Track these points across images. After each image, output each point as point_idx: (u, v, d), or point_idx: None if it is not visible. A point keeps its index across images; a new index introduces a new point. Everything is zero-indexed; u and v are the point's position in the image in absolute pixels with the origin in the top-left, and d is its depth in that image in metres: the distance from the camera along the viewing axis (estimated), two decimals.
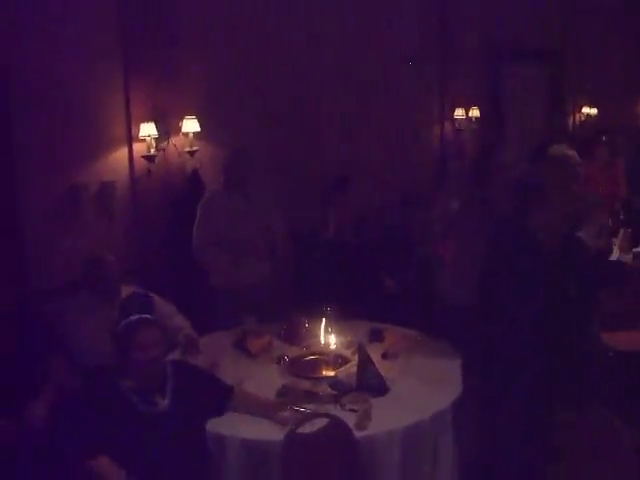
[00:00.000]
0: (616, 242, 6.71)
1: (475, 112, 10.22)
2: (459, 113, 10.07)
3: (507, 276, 3.72)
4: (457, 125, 10.11)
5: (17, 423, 4.26)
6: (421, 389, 4.22)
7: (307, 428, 3.64)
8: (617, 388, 4.82)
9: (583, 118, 12.91)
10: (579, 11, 11.55)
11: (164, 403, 3.73)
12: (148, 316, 3.84)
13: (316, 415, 3.74)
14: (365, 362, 4.20)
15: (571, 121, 12.81)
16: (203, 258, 5.85)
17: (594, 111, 12.92)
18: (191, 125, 6.85)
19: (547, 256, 3.78)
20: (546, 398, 3.77)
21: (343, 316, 5.07)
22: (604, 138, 10.43)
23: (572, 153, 5.86)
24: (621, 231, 6.89)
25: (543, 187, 3.86)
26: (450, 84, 9.85)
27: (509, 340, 3.71)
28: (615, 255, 6.53)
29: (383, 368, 4.31)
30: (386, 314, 5.34)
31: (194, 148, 6.90)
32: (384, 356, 4.64)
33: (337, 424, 3.65)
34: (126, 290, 5.09)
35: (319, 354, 4.76)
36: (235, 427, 3.83)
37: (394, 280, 5.97)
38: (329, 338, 4.90)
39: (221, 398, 3.98)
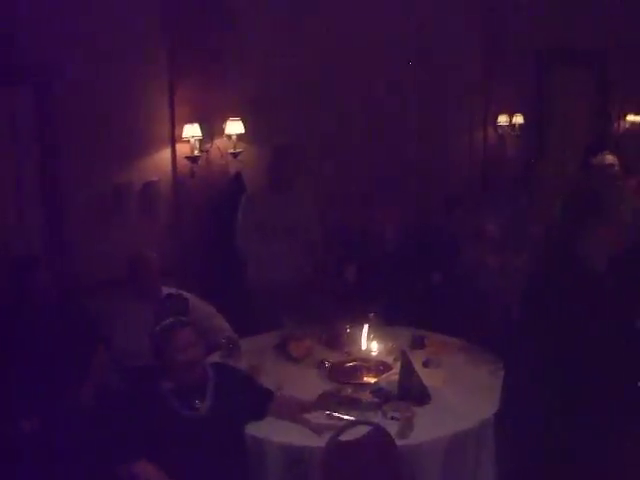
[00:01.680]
0: None
1: (518, 119, 10.10)
2: (502, 120, 9.96)
3: (552, 301, 3.61)
4: (500, 132, 10.00)
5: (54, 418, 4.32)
6: (463, 398, 4.17)
7: (349, 435, 3.61)
8: None
9: (627, 126, 12.74)
10: (628, 17, 11.42)
11: (205, 406, 3.73)
12: (183, 318, 3.86)
13: (358, 422, 3.71)
14: (407, 370, 4.16)
15: (615, 128, 12.64)
16: (244, 252, 5.90)
17: (639, 119, 12.75)
18: (235, 127, 6.84)
19: (598, 282, 3.64)
20: (592, 418, 3.68)
21: (385, 322, 5.04)
22: None
23: (616, 161, 5.80)
24: None
25: (598, 199, 3.66)
26: (494, 90, 9.76)
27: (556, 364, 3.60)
28: None
29: (425, 376, 4.26)
30: (429, 321, 5.28)
31: (238, 150, 6.89)
32: (426, 364, 4.59)
33: (379, 432, 3.62)
34: (167, 291, 5.11)
35: (361, 360, 4.72)
36: (274, 432, 3.82)
37: (441, 274, 5.83)
38: (371, 344, 4.86)
39: (261, 402, 3.96)
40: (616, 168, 5.98)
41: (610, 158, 6.05)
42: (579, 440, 3.59)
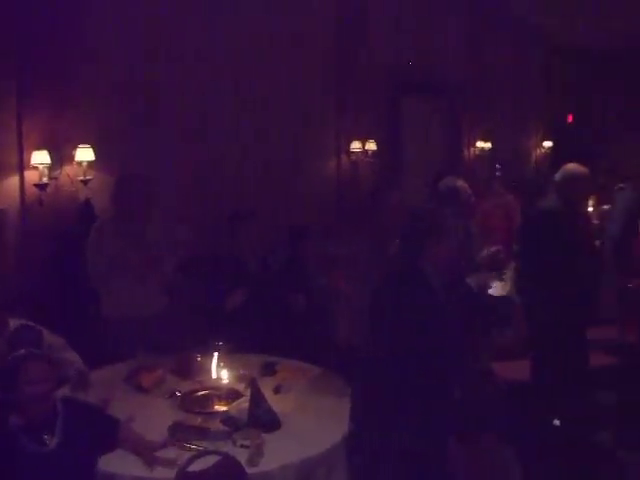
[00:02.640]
0: (507, 275, 6.73)
1: (371, 145, 10.27)
2: (355, 146, 10.10)
3: (394, 318, 3.75)
4: (353, 158, 10.15)
5: None
6: (313, 424, 4.21)
7: (197, 466, 3.59)
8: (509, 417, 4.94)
9: (477, 152, 13.19)
10: (477, 47, 11.93)
11: (53, 442, 3.64)
12: (37, 350, 3.77)
13: (206, 453, 3.69)
14: (256, 397, 4.17)
15: (467, 155, 13.07)
16: (97, 287, 5.72)
17: (488, 145, 13.23)
18: (85, 154, 6.74)
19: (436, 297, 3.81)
20: (437, 430, 3.82)
21: (236, 349, 5.03)
22: (497, 172, 10.69)
23: (464, 185, 5.99)
24: (512, 264, 6.93)
25: (436, 222, 3.86)
26: (347, 116, 9.93)
27: (398, 377, 3.74)
28: (506, 289, 6.55)
29: (276, 402, 4.30)
30: (282, 348, 5.32)
31: (88, 177, 6.79)
32: (276, 390, 4.63)
33: (229, 461, 3.61)
34: (13, 322, 4.96)
35: (211, 389, 4.70)
36: (126, 465, 3.75)
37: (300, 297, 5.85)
38: (221, 372, 4.85)
39: (110, 433, 3.89)
40: (465, 192, 6.10)
41: (458, 181, 6.18)
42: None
